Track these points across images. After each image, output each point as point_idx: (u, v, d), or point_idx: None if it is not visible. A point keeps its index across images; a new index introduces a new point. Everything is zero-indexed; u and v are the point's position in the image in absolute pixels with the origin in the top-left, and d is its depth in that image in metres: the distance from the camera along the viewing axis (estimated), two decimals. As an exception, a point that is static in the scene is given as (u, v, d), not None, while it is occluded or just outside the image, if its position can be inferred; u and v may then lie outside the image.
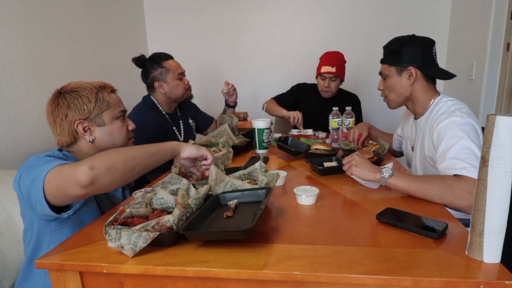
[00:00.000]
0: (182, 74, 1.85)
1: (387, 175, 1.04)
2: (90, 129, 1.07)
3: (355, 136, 1.66)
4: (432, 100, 1.32)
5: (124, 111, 1.15)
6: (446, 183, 1.00)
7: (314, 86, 2.40)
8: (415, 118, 1.41)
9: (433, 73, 1.31)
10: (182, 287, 0.70)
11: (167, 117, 1.87)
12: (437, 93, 1.34)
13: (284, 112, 2.18)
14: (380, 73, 1.40)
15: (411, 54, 1.29)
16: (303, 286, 0.66)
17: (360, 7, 2.78)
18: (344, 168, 1.15)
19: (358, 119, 2.20)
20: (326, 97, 2.30)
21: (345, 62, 2.26)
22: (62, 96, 1.05)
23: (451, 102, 1.26)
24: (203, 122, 2.16)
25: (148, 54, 1.92)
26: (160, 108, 1.86)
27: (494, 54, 2.07)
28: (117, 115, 1.11)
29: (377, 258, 0.69)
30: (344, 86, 2.49)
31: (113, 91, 1.14)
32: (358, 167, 1.10)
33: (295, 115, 2.10)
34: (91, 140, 1.07)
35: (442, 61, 2.73)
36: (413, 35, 1.33)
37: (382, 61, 1.39)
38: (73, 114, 1.05)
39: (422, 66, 1.29)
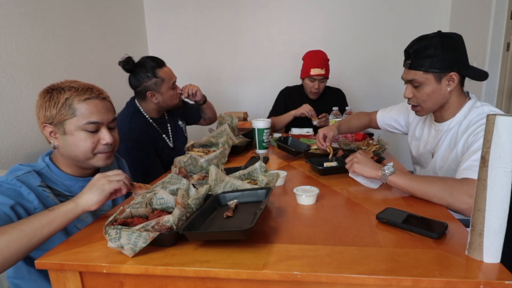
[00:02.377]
0: (175, 82, 1.73)
1: (388, 172, 1.05)
2: (55, 135, 1.00)
3: (319, 137, 1.49)
4: (464, 105, 1.23)
5: (96, 122, 1.00)
6: (447, 185, 0.99)
7: (297, 88, 2.39)
8: (436, 121, 1.31)
9: (471, 75, 1.18)
10: (182, 287, 0.70)
11: (154, 125, 1.73)
12: (467, 97, 1.26)
13: (292, 112, 2.15)
14: (410, 81, 1.21)
15: (453, 57, 1.14)
16: (303, 286, 0.66)
17: (360, 7, 2.78)
18: (347, 166, 1.17)
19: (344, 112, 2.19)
20: (314, 98, 2.30)
21: (328, 60, 2.25)
22: (42, 94, 1.00)
23: (487, 107, 1.19)
24: (194, 114, 2.07)
25: (148, 54, 1.90)
26: (146, 115, 1.72)
27: (494, 54, 2.07)
28: (84, 126, 0.98)
29: (377, 258, 0.68)
30: (346, 86, 2.48)
31: (90, 98, 0.99)
32: (359, 164, 1.11)
33: (307, 109, 2.10)
34: (55, 146, 1.01)
35: (442, 61, 2.73)
36: (442, 33, 1.17)
37: (412, 67, 1.18)
38: (41, 115, 0.99)
39: (462, 70, 1.16)
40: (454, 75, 1.16)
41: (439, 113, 1.28)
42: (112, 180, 0.90)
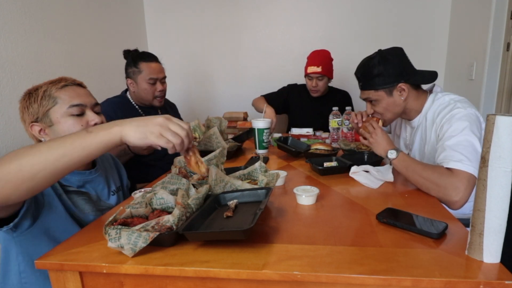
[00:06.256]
0: (155, 79, 1.78)
1: (390, 157, 1.15)
2: (44, 131, 0.99)
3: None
4: (427, 100, 1.33)
5: (79, 104, 1.00)
6: (436, 173, 1.04)
7: (304, 86, 2.41)
8: (409, 119, 1.42)
9: (419, 80, 1.30)
10: (182, 287, 0.70)
11: (137, 108, 1.86)
12: (427, 93, 1.34)
13: (267, 114, 1.98)
14: (366, 99, 1.36)
15: (394, 71, 1.26)
16: (303, 286, 0.66)
17: (360, 7, 2.78)
18: (362, 132, 1.29)
19: None
20: (315, 96, 2.31)
21: (331, 60, 2.25)
22: (22, 98, 1.01)
23: (448, 96, 1.28)
24: None
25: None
26: (132, 101, 1.86)
27: (494, 54, 2.07)
28: (68, 111, 0.98)
29: (377, 258, 0.68)
30: (344, 86, 2.48)
31: (66, 85, 1.01)
32: (375, 139, 1.22)
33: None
34: None
35: (442, 61, 2.73)
36: (381, 51, 1.30)
37: (364, 88, 1.34)
38: (26, 116, 0.99)
39: (409, 79, 1.28)
40: (403, 85, 1.28)
41: (406, 115, 1.39)
42: (166, 136, 0.75)
